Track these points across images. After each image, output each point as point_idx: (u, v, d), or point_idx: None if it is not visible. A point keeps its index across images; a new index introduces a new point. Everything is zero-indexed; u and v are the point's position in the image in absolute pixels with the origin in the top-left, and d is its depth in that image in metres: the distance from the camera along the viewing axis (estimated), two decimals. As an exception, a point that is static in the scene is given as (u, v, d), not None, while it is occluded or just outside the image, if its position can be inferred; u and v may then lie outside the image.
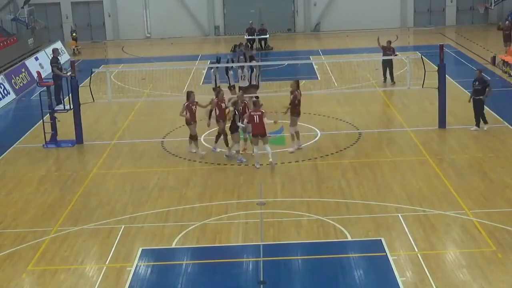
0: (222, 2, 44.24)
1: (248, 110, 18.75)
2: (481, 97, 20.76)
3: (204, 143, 20.92)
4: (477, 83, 21.02)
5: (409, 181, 17.27)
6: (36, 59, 33.80)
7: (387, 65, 27.14)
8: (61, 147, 21.24)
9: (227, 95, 20.80)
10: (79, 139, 21.43)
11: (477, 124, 21.00)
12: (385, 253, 13.42)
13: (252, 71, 23.11)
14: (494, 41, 38.33)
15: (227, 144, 19.16)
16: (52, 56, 24.09)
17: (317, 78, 29.32)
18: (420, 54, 24.46)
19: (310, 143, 20.64)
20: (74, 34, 40.46)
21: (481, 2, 43.14)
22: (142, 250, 13.99)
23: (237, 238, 14.47)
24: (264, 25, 40.16)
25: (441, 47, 21.20)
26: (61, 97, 22.05)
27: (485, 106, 21.19)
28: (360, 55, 33.70)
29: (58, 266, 13.50)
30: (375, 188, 16.82)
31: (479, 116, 21.03)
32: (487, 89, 20.79)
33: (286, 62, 31.34)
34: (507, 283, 12.21)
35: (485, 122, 21.12)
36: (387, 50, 27.42)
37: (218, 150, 19.44)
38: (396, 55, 27.30)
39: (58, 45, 36.38)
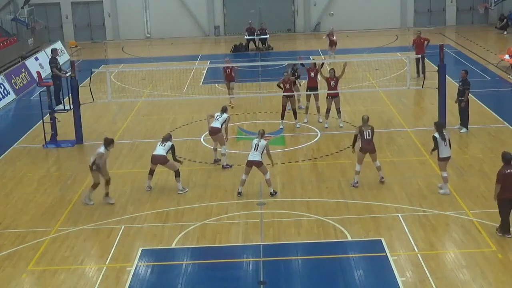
0: (222, 2, 44.22)
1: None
2: (462, 98, 20.68)
3: (204, 143, 20.93)
4: (460, 83, 20.97)
5: (409, 181, 17.27)
6: (36, 59, 33.79)
7: (419, 58, 27.22)
8: (61, 147, 21.24)
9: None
10: (79, 139, 21.43)
11: (465, 126, 20.97)
12: (385, 253, 13.43)
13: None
14: (494, 41, 38.37)
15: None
16: (51, 56, 24.09)
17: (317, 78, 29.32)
18: (420, 54, 24.50)
19: (310, 143, 20.64)
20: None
21: (481, 2, 43.13)
22: (142, 250, 14.00)
23: (237, 238, 14.47)
24: (263, 25, 40.14)
25: (441, 47, 21.21)
26: (61, 97, 22.03)
27: (485, 106, 21.20)
28: (360, 55, 33.67)
29: (58, 266, 13.51)
30: (375, 188, 16.82)
31: (462, 116, 20.96)
32: (466, 92, 20.69)
33: (286, 62, 31.31)
34: (507, 283, 12.21)
35: (465, 125, 20.94)
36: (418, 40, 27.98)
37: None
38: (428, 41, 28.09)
39: (58, 45, 36.37)
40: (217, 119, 18.71)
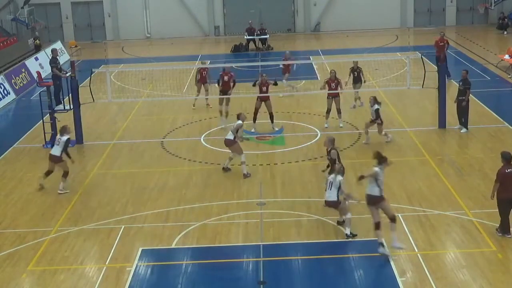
0: (222, 2, 44.25)
1: None
2: (463, 97, 20.71)
3: (204, 143, 20.93)
4: (461, 83, 20.99)
5: (409, 181, 17.26)
6: (36, 59, 33.80)
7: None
8: (61, 147, 21.21)
9: None
10: (79, 139, 21.43)
11: (461, 123, 21.03)
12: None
13: None
14: (495, 41, 38.38)
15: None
16: (51, 56, 24.10)
17: (317, 78, 29.35)
18: (420, 54, 24.49)
19: (310, 143, 20.64)
20: (37, 41, 38.71)
21: (481, 2, 43.14)
22: (142, 250, 14.00)
23: (237, 238, 14.47)
24: (263, 25, 40.17)
25: (442, 47, 21.19)
26: (61, 97, 22.05)
27: (485, 106, 21.23)
28: (360, 55, 33.65)
29: (58, 266, 13.51)
30: (375, 188, 16.79)
31: (462, 116, 20.99)
32: (467, 91, 20.72)
33: (286, 62, 31.30)
34: (507, 283, 12.22)
35: (465, 125, 20.95)
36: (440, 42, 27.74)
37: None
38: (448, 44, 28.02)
39: (58, 45, 36.38)
40: (230, 130, 18.08)
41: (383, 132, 20.27)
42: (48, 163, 17.51)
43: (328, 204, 14.60)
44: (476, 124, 21.36)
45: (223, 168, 18.33)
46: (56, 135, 21.29)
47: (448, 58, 27.48)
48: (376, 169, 13.29)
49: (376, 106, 19.91)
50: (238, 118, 18.15)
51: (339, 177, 14.40)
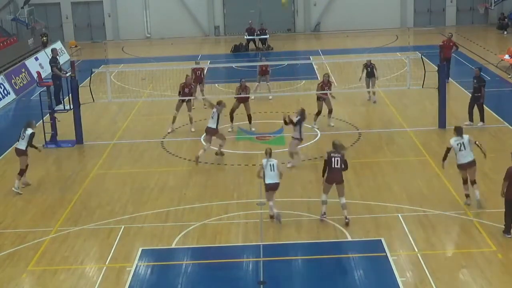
0: (222, 2, 44.24)
1: None
2: (479, 94, 21.03)
3: (204, 143, 20.91)
4: (475, 81, 21.26)
5: (409, 181, 17.26)
6: (36, 59, 33.79)
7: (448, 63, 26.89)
8: (61, 147, 21.24)
9: None
10: (79, 139, 21.44)
11: (470, 119, 21.27)
12: (385, 253, 13.43)
13: None
14: (495, 41, 38.37)
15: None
16: (51, 56, 24.11)
17: (317, 78, 29.32)
18: (420, 54, 24.48)
19: (310, 143, 20.63)
20: (44, 39, 39.45)
21: (481, 2, 43.14)
22: (142, 250, 14.01)
23: (237, 238, 14.47)
24: (263, 25, 40.17)
25: (442, 47, 21.18)
26: (61, 97, 22.05)
27: (485, 106, 21.27)
28: (360, 55, 33.63)
29: (58, 266, 13.51)
30: (375, 188, 16.82)
31: (472, 111, 21.31)
32: (482, 88, 20.94)
33: (286, 62, 31.33)
34: (507, 283, 12.22)
35: (482, 120, 21.30)
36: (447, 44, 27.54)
37: None
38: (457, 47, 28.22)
39: (58, 45, 36.38)
40: (212, 117, 18.87)
41: (295, 150, 18.40)
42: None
43: (276, 187, 14.90)
44: (476, 124, 21.34)
45: (218, 153, 19.20)
46: (56, 135, 21.56)
47: (448, 58, 27.46)
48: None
49: (298, 117, 18.13)
50: (217, 105, 18.97)
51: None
